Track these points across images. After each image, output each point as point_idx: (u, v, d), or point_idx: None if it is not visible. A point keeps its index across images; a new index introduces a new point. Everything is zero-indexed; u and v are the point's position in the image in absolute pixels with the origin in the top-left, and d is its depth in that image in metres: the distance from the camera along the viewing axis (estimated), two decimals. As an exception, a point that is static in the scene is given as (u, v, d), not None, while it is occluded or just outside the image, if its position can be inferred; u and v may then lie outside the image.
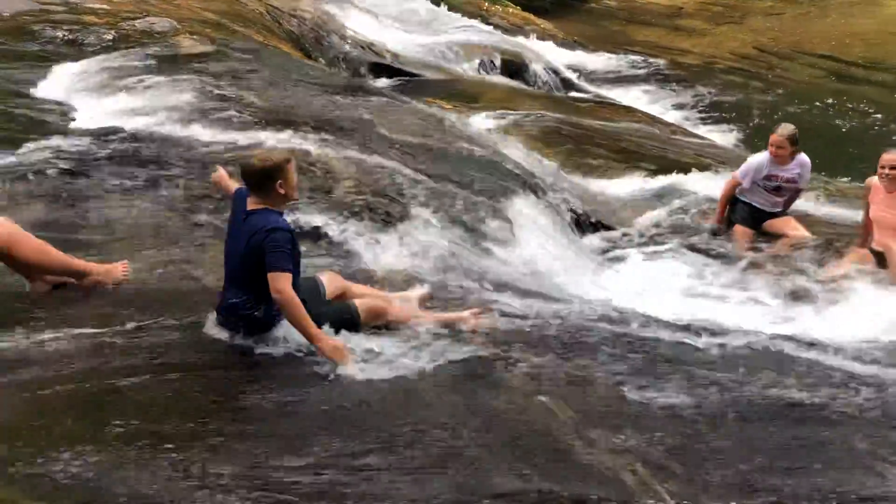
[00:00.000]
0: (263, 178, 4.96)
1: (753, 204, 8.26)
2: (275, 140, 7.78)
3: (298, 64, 11.35)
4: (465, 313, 5.55)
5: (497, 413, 4.67)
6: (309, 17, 15.53)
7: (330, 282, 5.48)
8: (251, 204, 5.02)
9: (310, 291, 5.26)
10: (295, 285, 4.94)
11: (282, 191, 5.00)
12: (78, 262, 5.62)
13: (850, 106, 16.60)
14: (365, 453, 4.17)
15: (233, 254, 5.06)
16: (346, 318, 5.23)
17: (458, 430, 4.43)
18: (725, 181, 8.51)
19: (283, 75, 9.98)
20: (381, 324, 5.35)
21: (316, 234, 6.60)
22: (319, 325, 4.98)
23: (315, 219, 6.73)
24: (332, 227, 6.66)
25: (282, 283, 4.83)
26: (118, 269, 5.68)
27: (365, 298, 5.44)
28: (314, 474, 3.98)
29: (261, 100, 8.81)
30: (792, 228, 8.20)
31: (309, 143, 7.83)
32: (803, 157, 8.29)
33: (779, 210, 8.33)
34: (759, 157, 8.29)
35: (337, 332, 5.08)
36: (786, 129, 8.24)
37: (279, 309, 4.93)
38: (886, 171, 7.32)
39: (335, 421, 4.43)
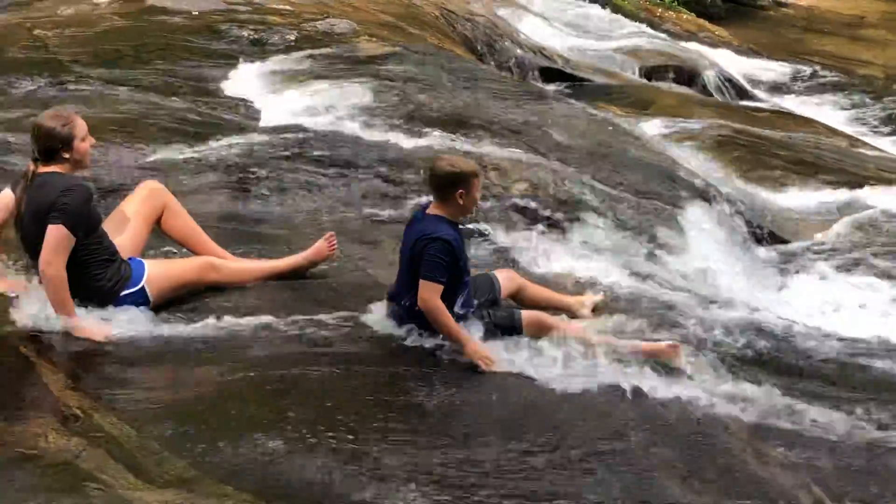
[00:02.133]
0: (447, 183, 4.99)
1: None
2: (448, 141, 7.85)
3: (472, 67, 11.40)
4: (663, 345, 5.35)
5: (669, 423, 4.58)
6: (482, 20, 15.58)
7: (507, 280, 5.50)
8: (431, 208, 5.10)
9: (483, 288, 5.32)
10: (454, 289, 4.99)
11: (461, 201, 5.00)
12: (285, 262, 5.78)
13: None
14: (531, 454, 4.16)
15: (403, 251, 5.15)
16: (507, 326, 5.23)
17: (628, 438, 4.37)
18: None
19: (457, 78, 10.05)
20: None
21: (487, 235, 6.64)
22: (485, 321, 5.06)
23: (488, 219, 6.77)
24: (504, 229, 6.69)
25: (429, 292, 4.88)
26: (324, 246, 5.80)
27: (533, 312, 5.40)
28: (481, 471, 4.00)
29: (436, 101, 8.89)
30: None
31: (483, 146, 7.88)
32: None
33: None
34: None
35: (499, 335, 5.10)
36: None
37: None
38: None
39: (502, 421, 4.43)
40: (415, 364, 4.95)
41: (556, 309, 5.56)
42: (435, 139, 7.93)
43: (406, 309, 5.08)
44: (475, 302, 5.19)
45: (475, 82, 10.17)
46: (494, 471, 4.00)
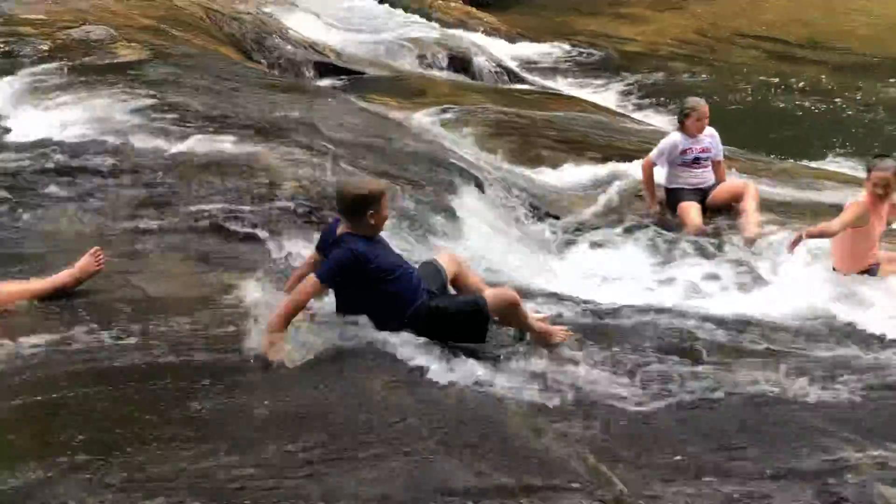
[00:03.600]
0: (357, 205, 5.12)
1: (686, 186, 8.37)
2: (213, 144, 7.71)
3: (239, 67, 11.25)
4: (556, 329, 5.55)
5: (448, 408, 4.66)
6: (249, 19, 15.41)
7: (447, 263, 5.59)
8: (343, 228, 5.21)
9: (432, 279, 5.42)
10: (402, 286, 5.19)
11: (372, 221, 5.16)
12: (51, 281, 5.54)
13: (792, 86, 16.79)
14: (314, 453, 4.15)
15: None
16: (471, 312, 5.26)
17: (409, 427, 4.42)
18: (641, 167, 8.63)
19: (223, 79, 9.89)
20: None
21: (256, 238, 6.56)
22: (444, 317, 5.20)
23: (256, 222, 6.69)
24: (274, 230, 6.62)
25: (309, 285, 5.04)
26: (90, 261, 5.63)
27: (493, 290, 5.46)
28: (262, 476, 3.95)
29: (199, 105, 8.72)
30: (740, 190, 8.33)
31: (249, 146, 7.77)
32: (711, 129, 8.60)
33: (713, 182, 8.50)
34: (671, 138, 8.57)
35: (466, 328, 5.23)
36: (702, 101, 8.70)
37: None
38: (879, 189, 6.90)
39: (286, 422, 4.40)
40: (191, 374, 4.85)
41: None
42: (200, 143, 7.76)
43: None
44: (425, 291, 5.28)
45: (242, 82, 10.04)
46: (270, 473, 3.96)
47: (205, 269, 6.21)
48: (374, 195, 5.17)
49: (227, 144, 7.77)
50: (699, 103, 8.58)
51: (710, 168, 8.55)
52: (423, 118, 11.08)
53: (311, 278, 5.09)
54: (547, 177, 9.76)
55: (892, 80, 16.94)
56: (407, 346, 5.13)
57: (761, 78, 17.43)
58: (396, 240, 6.81)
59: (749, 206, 8.07)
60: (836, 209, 8.35)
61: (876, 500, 4.08)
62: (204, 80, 9.74)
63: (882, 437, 4.58)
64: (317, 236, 5.82)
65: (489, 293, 5.40)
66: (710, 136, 8.56)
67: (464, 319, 5.27)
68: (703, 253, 7.56)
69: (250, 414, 4.49)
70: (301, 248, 6.31)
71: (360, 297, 5.18)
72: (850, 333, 6.17)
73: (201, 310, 5.56)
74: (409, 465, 4.10)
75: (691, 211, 8.19)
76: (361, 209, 5.13)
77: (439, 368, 5.02)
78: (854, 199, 7.09)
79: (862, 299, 6.81)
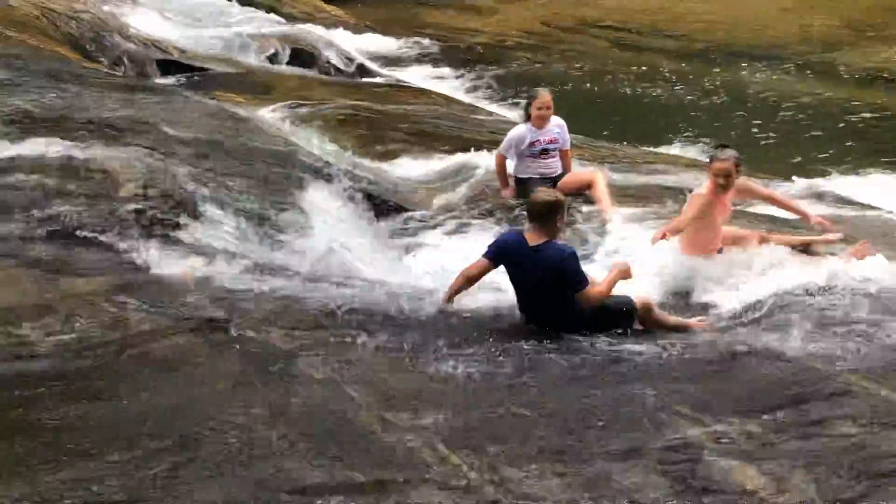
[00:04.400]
0: (552, 212, 6.01)
1: (534, 176, 8.50)
2: (50, 147, 7.43)
3: (76, 66, 10.89)
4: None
5: (296, 406, 4.64)
6: (88, 17, 14.90)
7: None
8: (533, 238, 5.99)
9: None
10: None
11: (559, 225, 6.08)
12: None
13: (637, 74, 17.19)
14: (156, 459, 4.07)
15: (531, 281, 5.97)
16: (624, 312, 6.01)
17: (256, 428, 4.37)
18: (494, 160, 8.75)
19: (59, 80, 9.55)
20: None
21: (96, 242, 6.37)
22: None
23: (96, 226, 6.49)
24: (115, 234, 6.44)
25: (588, 292, 5.93)
26: None
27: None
28: (103, 484, 3.85)
29: (33, 107, 8.39)
30: (588, 178, 8.52)
31: (88, 149, 7.52)
32: (558, 119, 8.71)
33: (561, 171, 8.66)
34: (519, 130, 8.66)
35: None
36: (545, 92, 8.76)
37: None
38: (721, 180, 7.04)
39: (129, 429, 4.30)
40: (31, 383, 4.69)
41: None
42: (35, 146, 7.47)
43: (566, 322, 5.87)
44: None
45: (80, 82, 9.72)
46: (112, 482, 3.87)
47: (44, 276, 6.00)
48: (562, 203, 6.14)
49: (63, 147, 7.50)
50: (545, 94, 8.68)
51: (557, 158, 8.70)
52: (270, 114, 10.94)
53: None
54: (398, 170, 9.76)
55: (730, 67, 17.51)
56: (253, 344, 5.09)
57: (606, 66, 17.81)
58: (241, 240, 6.74)
59: (601, 193, 8.29)
60: (678, 192, 8.66)
61: (715, 474, 4.24)
62: (39, 81, 9.39)
63: (717, 412, 4.75)
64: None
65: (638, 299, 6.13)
66: (557, 127, 8.68)
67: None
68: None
69: (93, 422, 4.38)
70: (144, 251, 6.18)
71: (556, 296, 5.91)
72: (685, 308, 6.40)
73: (41, 317, 5.39)
74: (255, 465, 4.06)
75: None
76: (553, 215, 5.99)
77: (287, 365, 5.00)
78: (697, 191, 7.29)
79: (706, 276, 7.05)
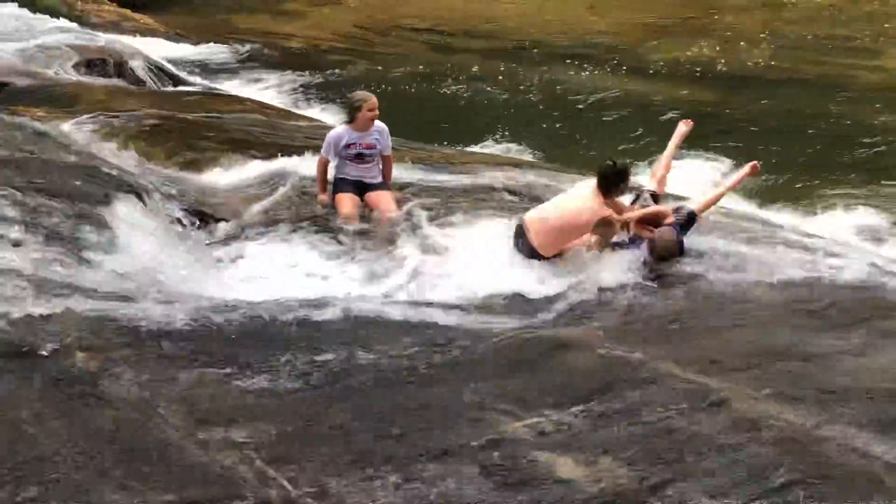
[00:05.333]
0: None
1: (347, 177, 8.44)
2: None
3: None
4: None
5: (104, 429, 4.45)
6: None
7: None
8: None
9: None
10: None
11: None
12: None
13: (451, 74, 17.38)
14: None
15: None
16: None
17: (62, 453, 4.18)
18: (316, 163, 8.65)
19: None
20: None
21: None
22: None
23: None
24: None
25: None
26: None
27: None
28: None
29: None
30: (384, 206, 8.38)
31: None
32: (380, 124, 8.55)
33: (377, 181, 8.54)
34: (337, 131, 8.55)
35: None
36: (367, 95, 8.59)
37: None
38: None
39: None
40: None
41: None
42: None
43: None
44: None
45: None
46: None
47: None
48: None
49: None
50: (367, 97, 8.46)
51: (374, 163, 8.55)
52: (74, 127, 10.54)
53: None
54: (211, 179, 9.56)
55: (542, 65, 17.91)
56: (59, 368, 4.87)
57: (421, 68, 17.95)
58: (41, 261, 6.44)
59: (386, 210, 8.30)
60: (490, 190, 8.80)
61: (532, 467, 4.30)
62: None
63: (533, 405, 4.83)
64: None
65: None
66: (378, 131, 8.50)
67: None
68: (364, 244, 7.68)
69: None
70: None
71: None
72: (495, 307, 6.48)
73: None
74: (57, 491, 3.87)
75: (344, 200, 8.28)
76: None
77: (95, 387, 4.80)
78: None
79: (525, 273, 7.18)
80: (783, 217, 9.79)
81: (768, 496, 4.05)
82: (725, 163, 12.30)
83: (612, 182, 7.16)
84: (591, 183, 7.33)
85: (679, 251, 7.09)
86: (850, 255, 7.90)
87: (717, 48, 17.71)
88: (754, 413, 4.72)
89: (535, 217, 7.36)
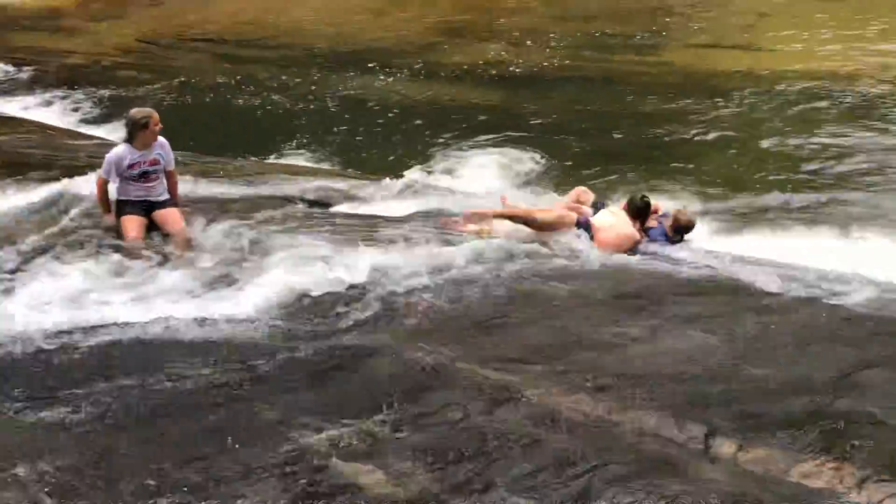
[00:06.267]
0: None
1: (132, 198, 8.15)
2: None
3: None
4: None
5: None
6: None
7: None
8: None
9: None
10: None
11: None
12: None
13: (241, 85, 17.09)
14: None
15: None
16: None
17: None
18: (96, 184, 8.30)
19: None
20: None
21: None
22: None
23: None
24: None
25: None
26: None
27: None
28: None
29: None
30: (172, 224, 8.12)
31: None
32: (162, 139, 8.28)
33: (164, 198, 8.27)
34: (117, 151, 8.20)
35: None
36: (146, 111, 8.26)
37: None
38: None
39: None
40: None
41: None
42: None
43: None
44: None
45: None
46: None
47: None
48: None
49: None
50: (149, 113, 8.14)
51: (160, 180, 8.27)
52: None
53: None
54: (-13, 205, 9.04)
55: (333, 73, 17.81)
56: None
57: (210, 80, 17.58)
58: None
59: (175, 227, 8.06)
60: (285, 200, 8.68)
61: (336, 479, 4.24)
62: None
63: (338, 416, 4.78)
64: None
65: None
66: (160, 147, 8.21)
67: None
68: (153, 264, 7.42)
69: None
70: None
71: None
72: (296, 317, 6.38)
73: None
74: None
75: (130, 223, 7.99)
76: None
77: None
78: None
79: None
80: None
81: (568, 483, 4.13)
82: (517, 156, 12.62)
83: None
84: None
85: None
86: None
87: (504, 51, 18.11)
88: (552, 404, 4.82)
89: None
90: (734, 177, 11.31)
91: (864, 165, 11.63)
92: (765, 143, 12.58)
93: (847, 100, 14.05)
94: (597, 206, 8.92)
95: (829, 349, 5.73)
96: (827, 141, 12.47)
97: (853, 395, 5.00)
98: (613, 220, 8.59)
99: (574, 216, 8.46)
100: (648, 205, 8.77)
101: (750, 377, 5.22)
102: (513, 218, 8.41)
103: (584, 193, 9.35)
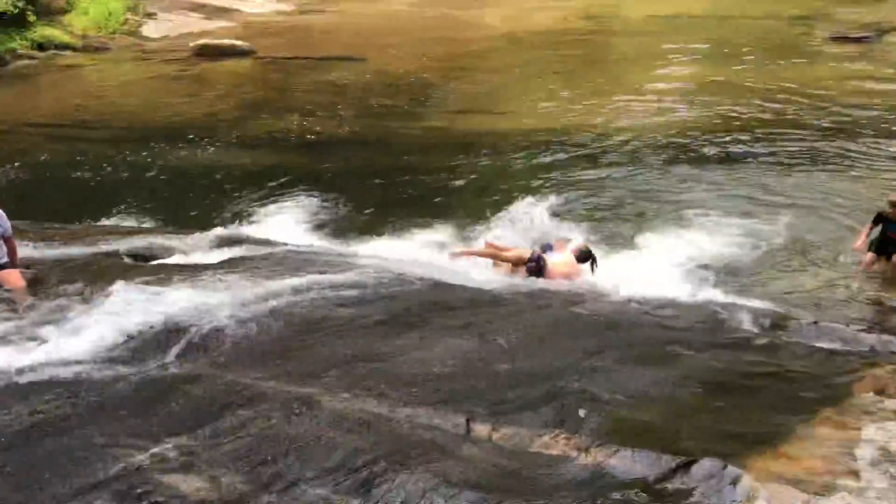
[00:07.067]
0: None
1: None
2: None
3: None
4: None
5: None
6: None
7: None
8: None
9: None
10: None
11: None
12: None
13: (74, 162, 16.17)
14: None
15: None
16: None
17: None
18: None
19: None
20: None
21: None
22: None
23: None
24: None
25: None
26: None
27: None
28: None
29: None
30: (12, 283, 7.56)
31: None
32: None
33: (4, 260, 7.71)
34: None
35: None
36: None
37: None
38: None
39: None
40: None
41: None
42: None
43: None
44: None
45: None
46: None
47: None
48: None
49: None
50: None
51: (1, 245, 7.71)
52: None
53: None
54: None
55: (157, 146, 17.07)
56: None
57: (47, 158, 16.60)
58: None
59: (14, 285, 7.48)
60: (113, 255, 8.26)
61: (161, 492, 4.04)
62: None
63: (161, 435, 4.57)
64: None
65: None
66: None
67: None
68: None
69: None
70: None
71: None
72: (123, 355, 6.04)
73: None
74: None
75: None
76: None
77: None
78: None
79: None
80: (357, 246, 10.13)
81: (355, 474, 4.10)
82: (314, 208, 12.61)
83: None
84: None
85: None
86: (419, 267, 8.27)
87: (300, 122, 17.98)
88: (342, 409, 4.78)
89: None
90: (483, 208, 11.73)
91: (583, 192, 12.62)
92: (505, 185, 13.20)
93: (567, 147, 14.87)
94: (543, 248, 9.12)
95: (567, 343, 5.95)
96: (555, 177, 13.31)
97: (583, 381, 5.20)
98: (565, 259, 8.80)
99: (528, 252, 8.75)
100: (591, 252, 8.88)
101: (499, 371, 5.35)
102: (485, 256, 8.90)
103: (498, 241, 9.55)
